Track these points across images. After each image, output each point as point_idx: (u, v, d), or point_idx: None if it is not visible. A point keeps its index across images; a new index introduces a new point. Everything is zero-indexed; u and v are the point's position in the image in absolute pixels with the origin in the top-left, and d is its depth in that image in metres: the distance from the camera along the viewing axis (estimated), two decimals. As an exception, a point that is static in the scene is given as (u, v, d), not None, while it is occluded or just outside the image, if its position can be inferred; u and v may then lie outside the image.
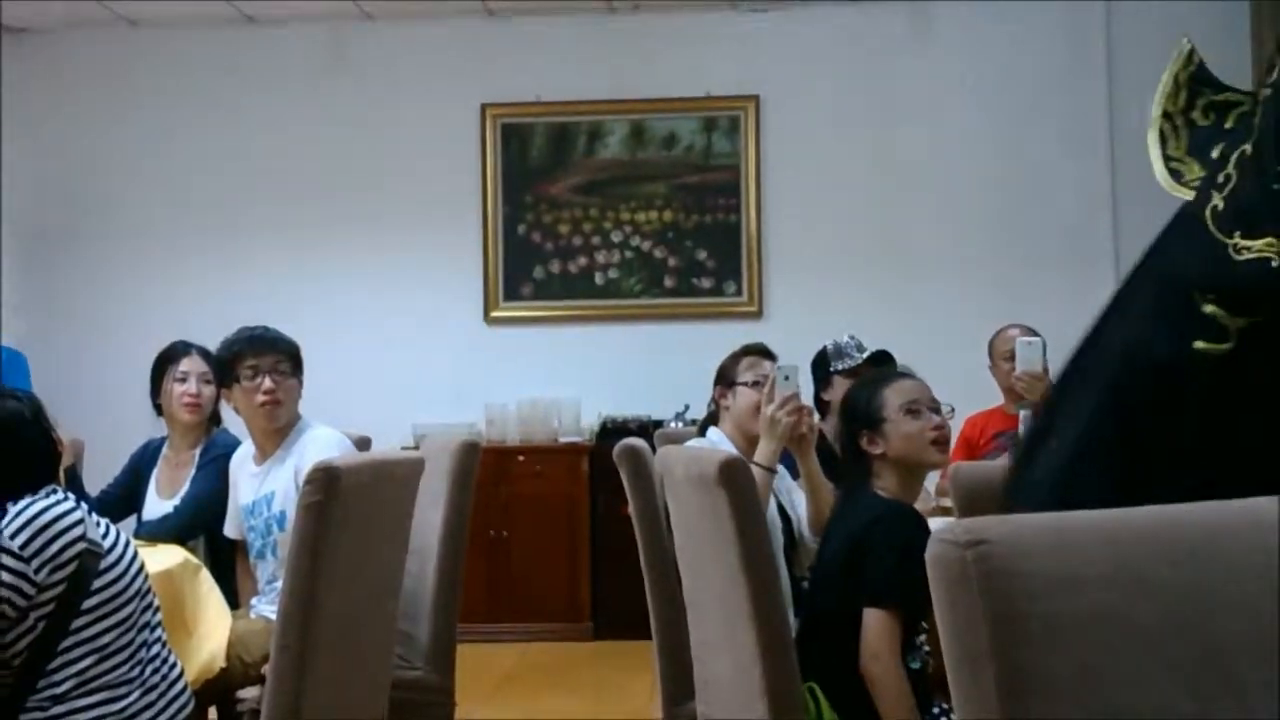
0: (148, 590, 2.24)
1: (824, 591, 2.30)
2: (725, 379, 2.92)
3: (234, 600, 2.89)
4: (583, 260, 5.56)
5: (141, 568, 2.23)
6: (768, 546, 2.21)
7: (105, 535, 2.15)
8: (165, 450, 3.19)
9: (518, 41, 5.55)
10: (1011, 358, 3.64)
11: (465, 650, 3.10)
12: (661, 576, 2.82)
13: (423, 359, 5.51)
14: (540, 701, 4.12)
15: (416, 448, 4.41)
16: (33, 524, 2.02)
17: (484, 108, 5.55)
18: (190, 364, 3.13)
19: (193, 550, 2.92)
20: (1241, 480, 0.94)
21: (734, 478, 2.20)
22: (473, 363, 5.51)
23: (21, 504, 2.05)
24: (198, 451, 3.10)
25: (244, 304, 4.99)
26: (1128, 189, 5.35)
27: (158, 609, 2.28)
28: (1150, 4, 5.32)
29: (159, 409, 3.16)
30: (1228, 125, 1.28)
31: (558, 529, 5.05)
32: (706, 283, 5.53)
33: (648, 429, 5.07)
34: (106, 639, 2.10)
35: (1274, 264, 1.08)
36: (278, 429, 2.90)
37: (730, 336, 5.30)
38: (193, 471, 3.06)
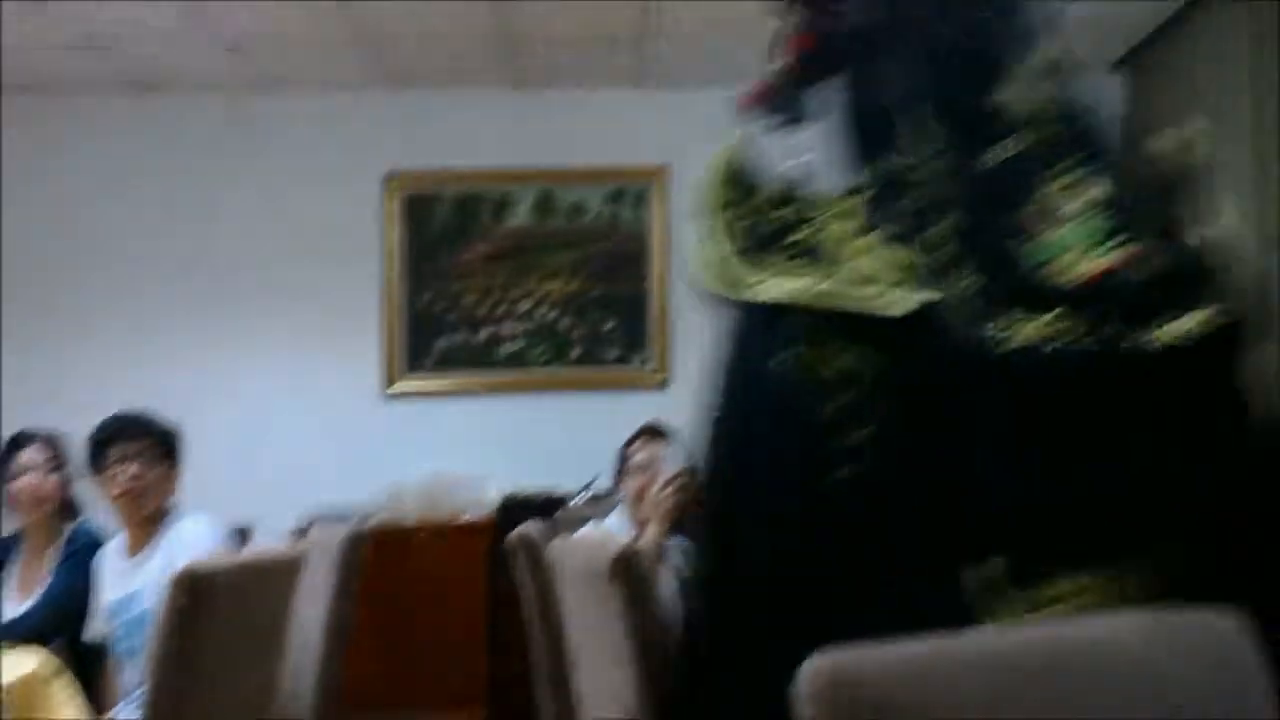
0: None
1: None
2: (619, 463, 2.86)
3: (98, 707, 2.70)
4: (488, 331, 5.46)
5: None
6: (661, 640, 2.13)
7: None
8: (21, 546, 3.00)
9: (423, 112, 5.48)
10: None
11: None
12: (553, 669, 2.72)
13: (320, 436, 5.34)
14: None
15: (305, 531, 4.24)
16: None
17: (387, 177, 5.46)
18: (31, 454, 2.95)
19: (55, 652, 2.73)
20: None
21: (625, 573, 2.13)
22: (372, 438, 5.34)
23: None
24: (58, 546, 2.91)
25: (137, 380, 4.81)
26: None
27: None
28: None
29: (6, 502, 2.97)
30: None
31: (455, 611, 4.88)
32: (613, 352, 5.47)
33: (552, 505, 4.96)
34: None
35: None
36: (145, 518, 2.75)
37: (637, 406, 5.26)
38: (52, 567, 2.87)
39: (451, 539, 4.95)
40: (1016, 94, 1.19)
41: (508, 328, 5.48)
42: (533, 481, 5.19)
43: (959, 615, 0.98)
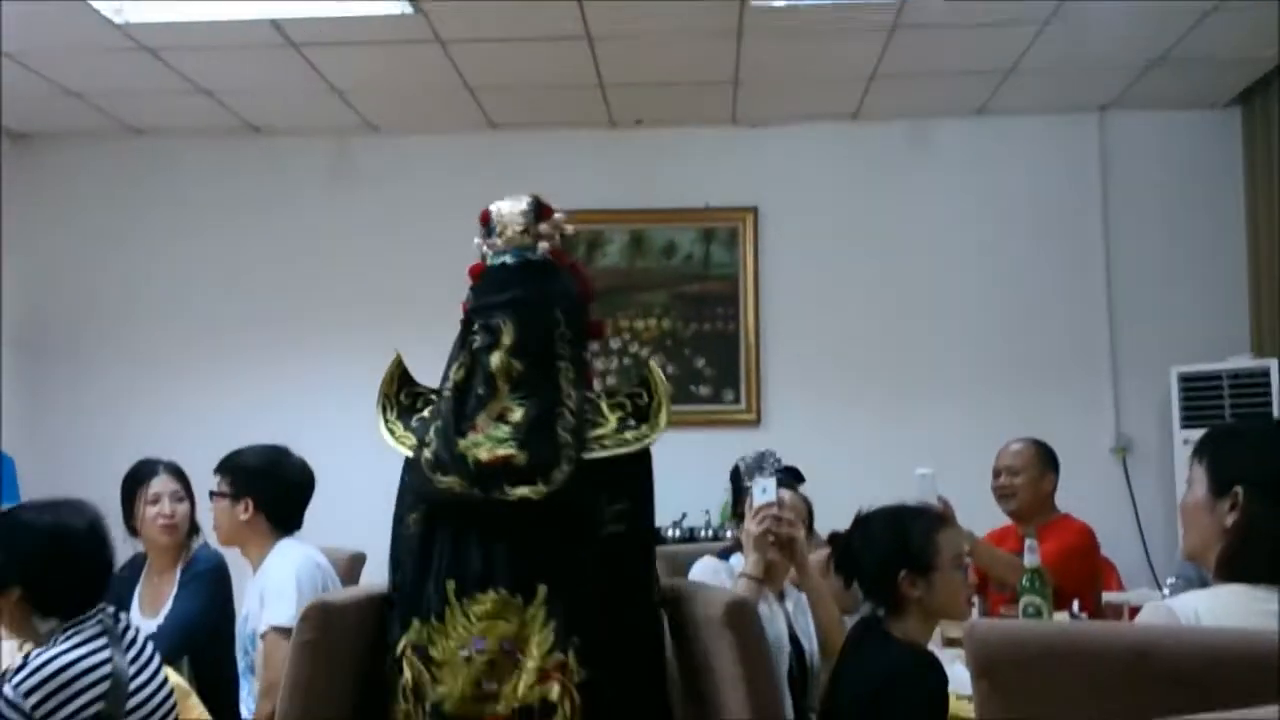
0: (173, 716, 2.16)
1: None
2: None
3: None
4: (581, 369, 5.55)
5: (170, 695, 2.15)
6: (772, 689, 2.16)
7: (141, 687, 2.04)
8: (146, 568, 3.13)
9: (520, 154, 5.60)
10: (995, 474, 3.68)
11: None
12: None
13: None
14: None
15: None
16: (49, 681, 1.91)
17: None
18: (161, 484, 3.09)
19: (178, 671, 2.84)
20: None
21: (740, 620, 2.16)
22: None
23: (44, 654, 1.94)
24: (180, 568, 3.04)
25: (240, 419, 4.97)
26: (1124, 301, 5.39)
27: None
28: (1142, 115, 5.42)
29: (133, 530, 3.10)
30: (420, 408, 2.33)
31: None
32: (705, 390, 5.52)
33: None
34: None
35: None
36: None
37: (729, 445, 5.28)
38: (174, 590, 2.99)
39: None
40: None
41: (600, 364, 5.56)
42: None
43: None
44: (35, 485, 5.04)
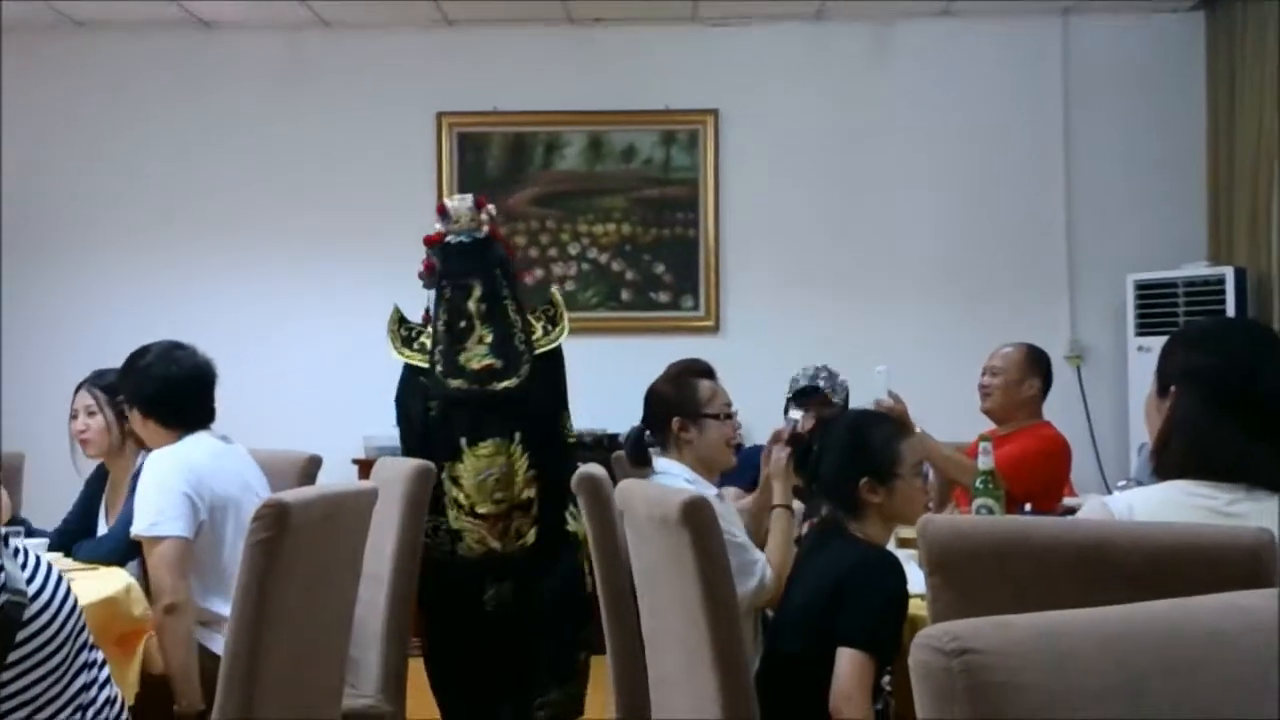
0: (82, 629, 2.13)
1: (789, 633, 2.27)
2: (688, 410, 2.87)
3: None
4: (539, 273, 5.51)
5: (75, 605, 2.12)
6: (729, 590, 2.18)
7: (32, 577, 2.03)
8: (110, 478, 3.11)
9: (475, 51, 5.48)
10: (981, 373, 3.66)
11: (411, 665, 3.06)
12: (618, 608, 2.79)
13: (374, 369, 5.38)
14: None
15: (369, 462, 4.33)
16: None
17: (440, 117, 5.48)
18: (78, 400, 3.06)
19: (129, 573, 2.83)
20: None
21: (697, 519, 2.17)
22: (426, 375, 5.42)
23: None
24: (130, 476, 3.01)
25: (191, 313, 4.90)
26: (1082, 208, 5.41)
27: (94, 646, 2.18)
28: (1106, 17, 5.38)
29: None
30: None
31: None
32: (664, 297, 5.50)
33: (602, 443, 5.03)
34: (38, 689, 1.97)
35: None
36: None
37: (687, 350, 5.26)
38: (127, 495, 2.96)
39: (504, 476, 5.03)
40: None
41: (559, 270, 5.52)
42: (580, 421, 5.24)
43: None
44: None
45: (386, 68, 5.51)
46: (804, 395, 3.63)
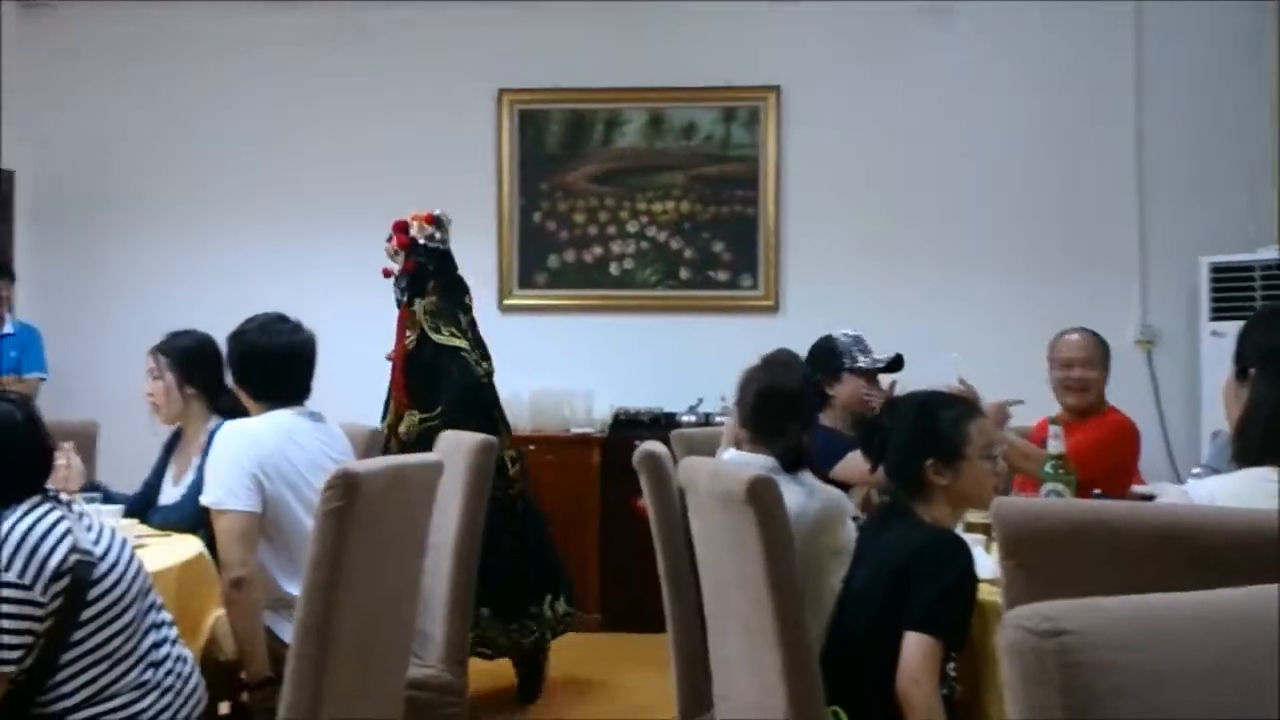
0: (149, 589, 2.19)
1: (854, 613, 2.26)
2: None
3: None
4: (598, 250, 5.52)
5: (140, 568, 2.18)
6: (793, 568, 2.17)
7: (98, 540, 2.09)
8: (181, 442, 3.16)
9: (537, 27, 5.48)
10: (1064, 365, 3.54)
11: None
12: (680, 586, 2.80)
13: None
14: (550, 695, 4.10)
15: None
16: (22, 547, 1.94)
17: (501, 93, 5.49)
18: (146, 364, 3.10)
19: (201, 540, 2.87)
20: None
21: (761, 496, 2.17)
22: (486, 350, 5.45)
23: (4, 528, 1.97)
24: (202, 442, 3.05)
25: (253, 285, 4.97)
26: (1154, 190, 5.29)
27: (162, 607, 2.24)
28: (1178, -1, 5.26)
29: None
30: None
31: (567, 520, 4.99)
32: (722, 275, 5.49)
33: (660, 422, 5.04)
34: (112, 645, 2.05)
35: None
36: None
37: (745, 330, 5.31)
38: (198, 459, 3.01)
39: (564, 450, 5.07)
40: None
41: (617, 247, 5.52)
42: (637, 399, 5.28)
43: None
44: (55, 351, 5.09)
45: (449, 44, 5.53)
46: (896, 366, 3.51)
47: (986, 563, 2.38)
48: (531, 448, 5.01)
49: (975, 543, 2.54)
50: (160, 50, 5.61)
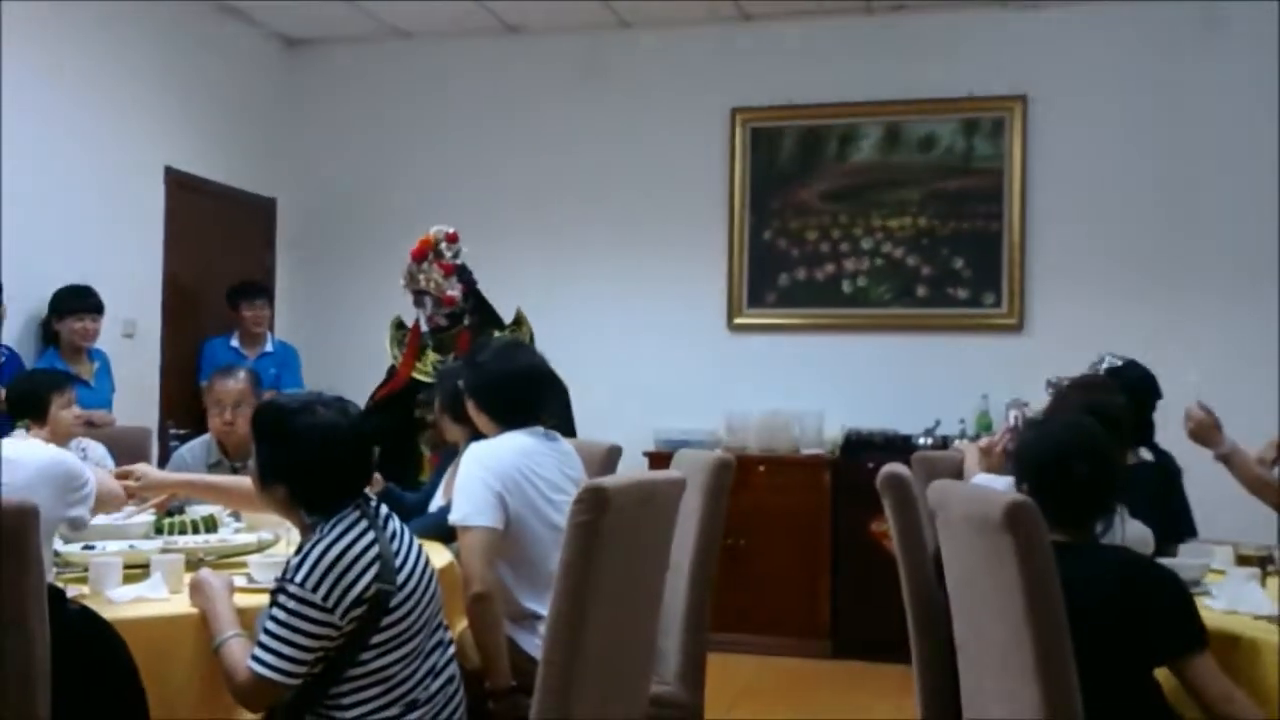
0: (437, 613, 2.23)
1: (1090, 652, 2.12)
2: None
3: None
4: (830, 267, 5.43)
5: (436, 593, 2.21)
6: (1056, 598, 2.05)
7: (403, 564, 2.13)
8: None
9: (771, 45, 5.47)
10: None
11: (710, 658, 3.07)
12: (926, 614, 2.70)
13: (666, 364, 5.51)
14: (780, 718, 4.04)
15: (664, 456, 4.40)
16: (329, 571, 2.00)
17: (734, 112, 5.50)
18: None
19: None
20: None
21: (1021, 521, 2.06)
22: (715, 369, 5.46)
23: (316, 547, 2.03)
24: None
25: (499, 305, 5.14)
26: None
27: (446, 627, 2.28)
28: None
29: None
30: None
31: (797, 543, 4.94)
32: (962, 293, 5.29)
33: (894, 444, 4.89)
34: (392, 670, 2.08)
35: None
36: None
37: (987, 350, 5.11)
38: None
39: (793, 471, 5.00)
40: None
41: (850, 264, 5.42)
42: (870, 420, 5.15)
43: None
44: (311, 370, 5.41)
45: (683, 65, 5.59)
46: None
47: (1262, 598, 2.29)
48: (761, 469, 5.00)
49: (1250, 577, 2.37)
50: (413, 85, 5.91)
